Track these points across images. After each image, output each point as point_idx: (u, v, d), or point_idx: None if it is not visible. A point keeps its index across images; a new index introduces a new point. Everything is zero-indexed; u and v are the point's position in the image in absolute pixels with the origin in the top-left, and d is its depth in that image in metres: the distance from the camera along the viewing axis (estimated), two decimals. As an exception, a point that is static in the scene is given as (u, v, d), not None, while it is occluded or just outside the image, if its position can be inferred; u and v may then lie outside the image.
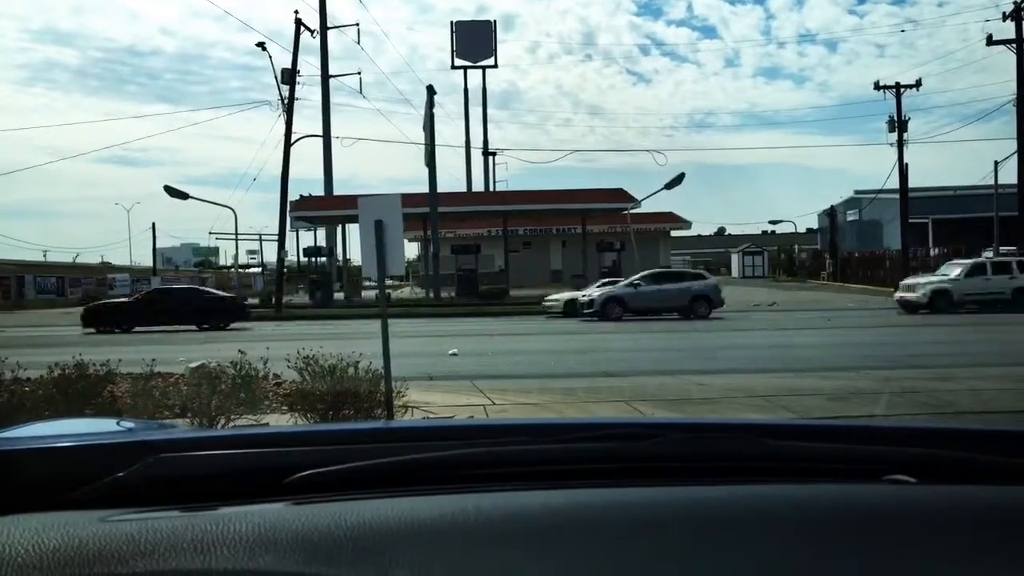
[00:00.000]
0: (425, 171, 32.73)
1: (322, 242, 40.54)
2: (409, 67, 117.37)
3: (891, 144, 38.21)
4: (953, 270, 26.36)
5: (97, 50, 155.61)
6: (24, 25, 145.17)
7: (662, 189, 35.57)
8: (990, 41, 32.73)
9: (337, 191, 39.19)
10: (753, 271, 65.91)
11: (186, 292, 28.75)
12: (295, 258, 49.60)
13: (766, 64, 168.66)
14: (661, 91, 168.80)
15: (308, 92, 53.87)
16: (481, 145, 53.75)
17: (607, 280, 29.09)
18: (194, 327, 24.83)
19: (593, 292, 26.18)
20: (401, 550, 0.86)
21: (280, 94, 32.84)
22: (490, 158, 54.09)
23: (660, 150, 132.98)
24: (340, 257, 41.52)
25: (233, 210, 39.26)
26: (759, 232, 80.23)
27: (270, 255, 55.92)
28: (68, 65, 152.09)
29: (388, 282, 8.51)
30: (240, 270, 53.23)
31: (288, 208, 34.10)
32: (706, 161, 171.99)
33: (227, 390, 7.33)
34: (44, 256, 66.84)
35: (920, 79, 38.74)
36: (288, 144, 32.73)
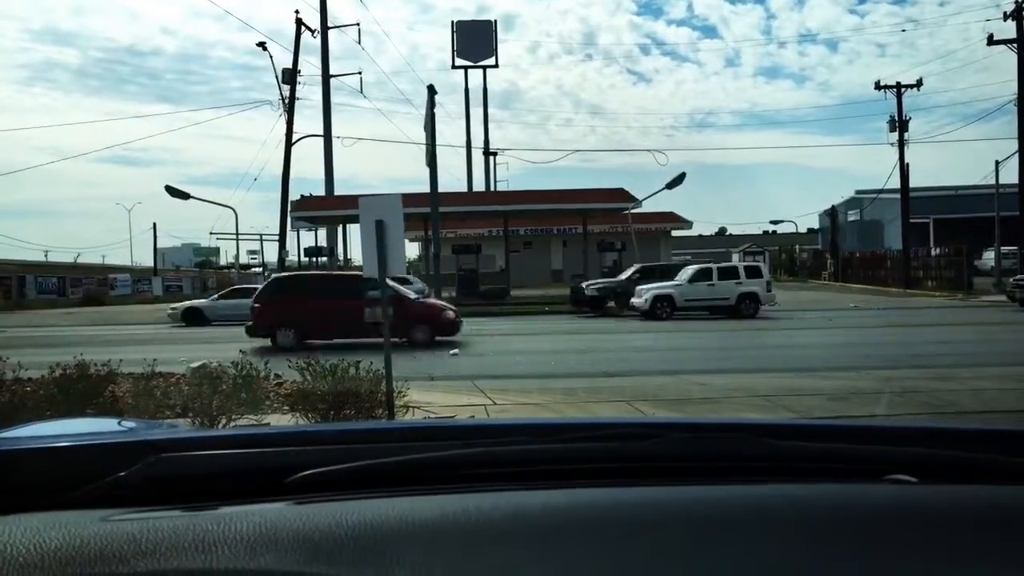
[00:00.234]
0: (426, 171, 32.69)
1: (323, 242, 40.57)
2: (410, 67, 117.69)
3: (892, 144, 38.25)
4: (684, 275, 25.75)
5: (98, 50, 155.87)
6: (25, 25, 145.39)
7: (663, 189, 35.59)
8: (991, 41, 32.74)
9: (338, 191, 39.16)
10: (754, 271, 65.83)
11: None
12: (296, 258, 49.61)
13: (767, 64, 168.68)
14: (662, 91, 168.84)
15: (309, 92, 53.73)
16: (482, 145, 53.76)
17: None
18: None
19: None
20: (402, 550, 0.86)
21: (281, 94, 32.91)
22: (491, 158, 54.11)
23: (661, 150, 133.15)
24: (341, 257, 41.51)
25: (234, 210, 39.36)
26: (760, 232, 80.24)
27: (271, 255, 55.99)
28: (69, 65, 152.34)
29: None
30: (241, 270, 53.22)
31: (289, 208, 34.14)
32: (707, 161, 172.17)
33: (228, 390, 7.33)
34: (45, 256, 67.00)
35: (921, 79, 38.80)
36: (289, 144, 32.77)
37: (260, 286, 21.65)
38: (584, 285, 28.27)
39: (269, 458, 1.14)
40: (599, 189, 38.40)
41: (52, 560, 0.84)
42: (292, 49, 33.31)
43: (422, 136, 33.66)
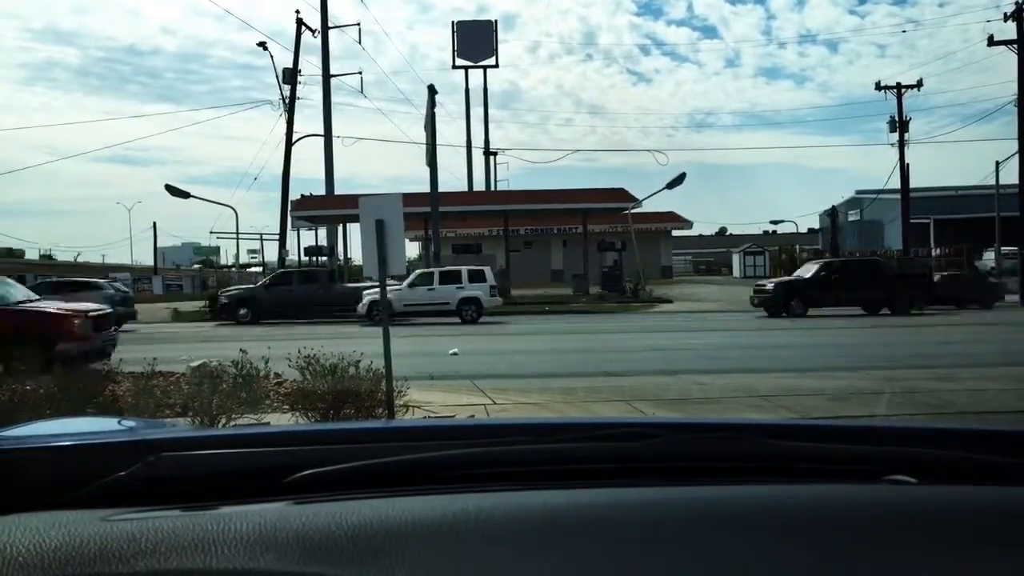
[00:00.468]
0: (426, 170, 32.71)
1: (323, 241, 40.57)
2: (410, 66, 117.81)
3: (892, 144, 38.22)
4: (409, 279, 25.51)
5: (98, 49, 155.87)
6: (25, 24, 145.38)
7: (663, 189, 35.62)
8: (991, 42, 32.73)
9: (338, 190, 39.18)
10: (754, 271, 65.73)
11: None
12: (296, 257, 49.62)
13: (767, 64, 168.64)
14: (662, 91, 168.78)
15: (309, 91, 53.75)
16: (482, 145, 53.75)
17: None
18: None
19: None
20: (402, 550, 0.86)
21: (281, 93, 32.93)
22: (491, 158, 54.08)
23: (661, 150, 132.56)
24: (341, 256, 41.52)
25: (234, 209, 39.32)
26: (760, 232, 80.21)
27: (271, 255, 55.93)
28: (69, 64, 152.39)
29: (389, 282, 8.52)
30: (241, 269, 53.22)
31: (289, 207, 34.15)
32: (707, 161, 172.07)
33: (228, 389, 7.33)
34: (48, 255, 67.00)
35: (921, 79, 38.78)
36: (289, 143, 32.78)
37: None
38: (221, 292, 28.33)
39: (269, 458, 1.14)
40: (599, 189, 38.42)
41: (52, 560, 0.84)
42: (292, 49, 33.33)
43: (422, 136, 33.68)
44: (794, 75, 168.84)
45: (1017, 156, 32.80)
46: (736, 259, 70.21)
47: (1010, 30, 32.18)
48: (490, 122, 55.19)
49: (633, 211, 37.48)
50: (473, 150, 53.33)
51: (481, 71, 54.32)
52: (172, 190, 35.38)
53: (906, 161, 37.44)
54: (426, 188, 32.83)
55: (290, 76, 32.80)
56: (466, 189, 49.23)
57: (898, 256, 37.57)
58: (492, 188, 51.36)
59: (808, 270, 27.00)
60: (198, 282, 60.72)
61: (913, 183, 39.01)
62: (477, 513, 0.91)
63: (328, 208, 36.34)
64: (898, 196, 38.53)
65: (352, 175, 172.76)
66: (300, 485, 1.05)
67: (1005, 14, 32.19)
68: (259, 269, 59.02)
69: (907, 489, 1.07)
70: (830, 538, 0.90)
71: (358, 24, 45.09)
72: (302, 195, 39.30)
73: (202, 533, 0.87)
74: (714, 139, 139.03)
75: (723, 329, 22.00)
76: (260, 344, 9.29)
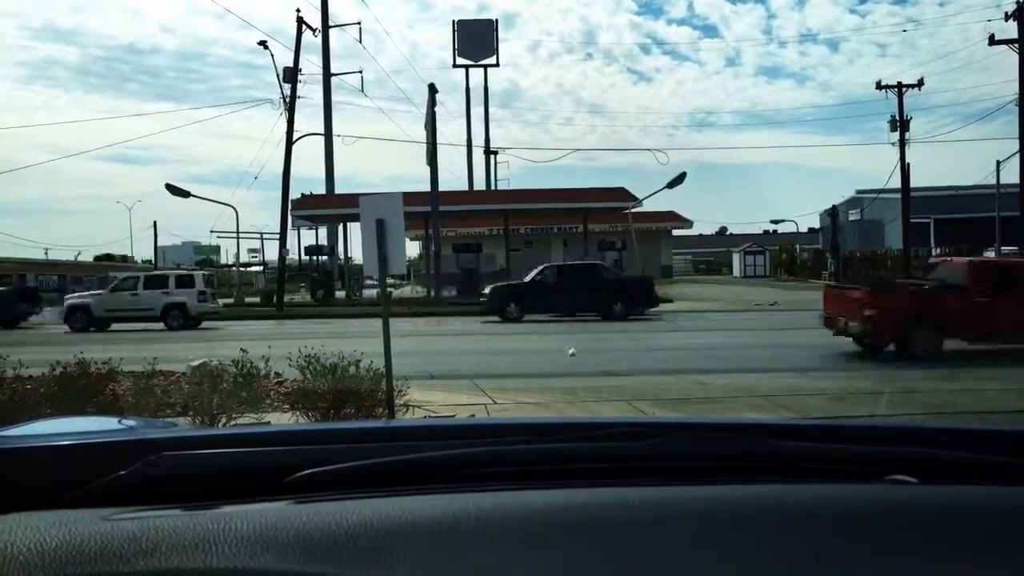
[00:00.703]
0: (426, 169, 32.74)
1: (323, 240, 40.53)
2: (410, 65, 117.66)
3: (893, 144, 38.19)
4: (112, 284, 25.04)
5: (98, 48, 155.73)
6: (24, 22, 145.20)
7: (664, 188, 35.61)
8: (992, 41, 32.68)
9: (338, 189, 39.20)
10: (754, 271, 65.79)
11: None
12: (296, 257, 49.64)
13: (767, 63, 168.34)
14: (662, 90, 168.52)
15: (309, 91, 53.90)
16: (482, 144, 53.75)
17: None
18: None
19: None
20: (402, 549, 0.86)
21: (282, 92, 32.88)
22: (491, 157, 54.05)
23: (661, 149, 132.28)
24: (342, 256, 41.52)
25: (235, 208, 39.29)
26: (760, 232, 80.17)
27: (271, 254, 55.97)
28: (69, 63, 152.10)
29: (389, 281, 8.52)
30: (241, 268, 53.24)
31: (289, 206, 34.11)
32: (707, 160, 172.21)
33: (228, 388, 7.33)
34: (45, 254, 67.01)
35: (922, 78, 38.71)
36: (290, 142, 32.76)
37: None
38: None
39: (269, 457, 1.15)
40: (600, 188, 38.42)
41: (52, 559, 0.84)
42: (293, 48, 33.30)
43: (423, 135, 33.69)
44: (795, 74, 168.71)
45: (1018, 155, 32.76)
46: (736, 259, 70.18)
47: (1011, 29, 32.13)
48: (490, 121, 55.28)
49: (633, 210, 37.46)
50: (473, 149, 53.40)
51: (481, 70, 54.33)
52: (172, 189, 35.38)
53: (907, 160, 37.44)
54: (426, 187, 32.83)
55: (290, 75, 32.76)
56: (466, 188, 49.25)
57: (899, 255, 37.56)
58: (492, 187, 51.35)
59: (529, 275, 26.21)
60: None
61: (914, 182, 38.98)
62: (478, 513, 0.91)
63: (328, 207, 36.34)
64: (898, 196, 38.51)
65: (352, 174, 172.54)
66: (300, 484, 1.05)
67: (1006, 13, 32.16)
68: (259, 268, 59.07)
69: (907, 489, 1.07)
70: (830, 538, 0.90)
71: (358, 23, 45.21)
72: (302, 194, 39.29)
73: (202, 532, 0.87)
74: (714, 138, 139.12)
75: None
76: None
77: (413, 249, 55.13)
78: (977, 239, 41.04)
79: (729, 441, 1.22)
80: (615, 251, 37.19)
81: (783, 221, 70.20)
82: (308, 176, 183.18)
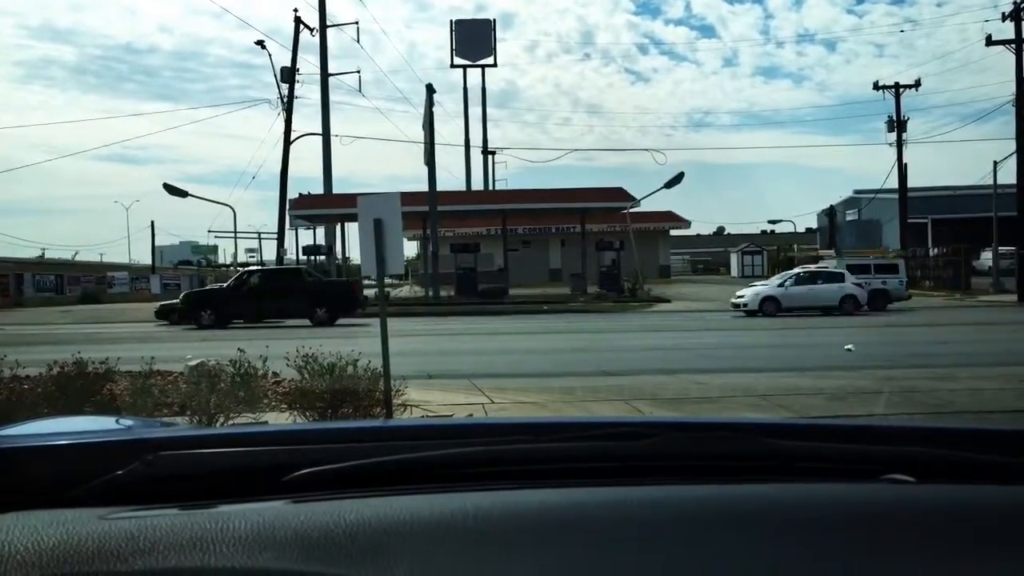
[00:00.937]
0: (424, 170, 32.74)
1: (321, 240, 40.54)
2: (408, 65, 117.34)
3: (890, 144, 38.32)
4: None
5: (95, 47, 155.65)
6: (21, 22, 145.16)
7: (661, 188, 35.61)
8: (989, 41, 32.76)
9: (336, 189, 39.15)
10: (752, 271, 65.82)
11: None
12: (294, 256, 49.57)
13: (765, 63, 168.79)
14: (660, 90, 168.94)
15: (307, 90, 53.93)
16: (480, 144, 53.73)
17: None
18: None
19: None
20: (400, 549, 0.86)
21: (280, 92, 32.92)
22: (489, 157, 54.07)
23: (659, 149, 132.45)
24: (339, 255, 41.51)
25: (232, 208, 39.22)
26: (758, 232, 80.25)
27: (269, 254, 55.86)
28: (66, 62, 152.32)
29: (387, 281, 8.52)
30: (239, 268, 53.20)
31: (287, 206, 34.12)
32: (705, 160, 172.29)
33: (226, 388, 7.32)
34: (42, 254, 66.90)
35: (919, 79, 38.85)
36: (288, 142, 32.77)
37: None
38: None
39: (267, 456, 1.14)
40: (597, 188, 38.42)
41: (50, 558, 0.84)
42: (291, 47, 33.32)
43: (420, 135, 33.72)
44: (792, 74, 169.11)
45: (1015, 156, 32.85)
46: (734, 259, 70.24)
47: (1008, 30, 32.23)
48: (488, 121, 55.24)
49: (631, 210, 37.48)
50: (471, 149, 53.37)
51: (479, 70, 54.27)
52: (170, 189, 35.33)
53: (904, 161, 37.54)
54: (424, 187, 32.85)
55: (288, 75, 32.78)
56: (464, 188, 49.24)
57: (896, 255, 37.59)
58: (490, 187, 51.37)
59: (229, 280, 25.76)
60: (196, 281, 60.63)
61: (911, 183, 39.11)
62: (475, 512, 0.91)
63: (326, 207, 36.33)
64: (896, 196, 38.61)
65: (350, 174, 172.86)
66: (298, 484, 1.05)
67: (1003, 14, 32.24)
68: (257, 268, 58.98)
69: (906, 488, 1.07)
70: (828, 537, 0.90)
71: (356, 23, 45.24)
72: (300, 194, 39.28)
73: (200, 532, 0.87)
74: (712, 138, 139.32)
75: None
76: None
77: (411, 249, 55.18)
78: (974, 239, 41.11)
79: (726, 440, 1.22)
80: (613, 251, 37.20)
81: (781, 221, 70.40)
82: (306, 176, 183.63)
